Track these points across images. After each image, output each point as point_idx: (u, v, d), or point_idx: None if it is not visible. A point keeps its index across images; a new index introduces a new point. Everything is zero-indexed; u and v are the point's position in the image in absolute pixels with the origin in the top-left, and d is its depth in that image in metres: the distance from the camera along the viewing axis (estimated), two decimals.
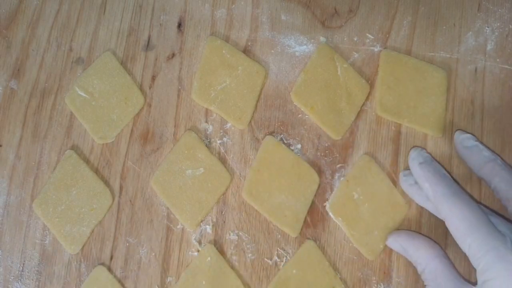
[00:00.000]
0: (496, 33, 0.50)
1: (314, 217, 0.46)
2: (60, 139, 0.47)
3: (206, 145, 0.46)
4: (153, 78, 0.48)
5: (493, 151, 0.44)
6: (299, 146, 0.47)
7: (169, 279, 0.44)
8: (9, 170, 0.46)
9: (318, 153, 0.47)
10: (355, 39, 0.49)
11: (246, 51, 0.49)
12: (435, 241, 0.43)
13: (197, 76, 0.47)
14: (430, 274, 0.41)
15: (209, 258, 0.44)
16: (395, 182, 0.46)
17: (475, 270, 0.38)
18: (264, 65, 0.48)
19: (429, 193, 0.41)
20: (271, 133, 0.47)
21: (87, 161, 0.46)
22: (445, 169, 0.44)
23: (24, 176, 0.46)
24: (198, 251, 0.45)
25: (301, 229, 0.45)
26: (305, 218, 0.45)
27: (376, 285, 0.45)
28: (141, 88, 0.48)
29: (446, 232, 0.46)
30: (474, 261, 0.37)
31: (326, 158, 0.47)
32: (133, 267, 0.44)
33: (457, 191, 0.40)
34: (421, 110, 0.47)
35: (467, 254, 0.38)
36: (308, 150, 0.47)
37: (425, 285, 0.42)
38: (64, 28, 0.49)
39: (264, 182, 0.45)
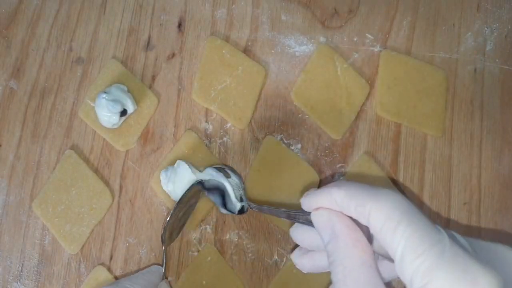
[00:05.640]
0: (495, 34, 0.50)
1: None
2: (59, 138, 0.47)
3: (206, 145, 0.46)
4: (153, 78, 0.48)
5: None
6: (299, 146, 0.47)
7: (169, 279, 0.44)
8: (9, 170, 0.46)
9: (318, 153, 0.47)
10: (355, 39, 0.49)
11: (246, 51, 0.49)
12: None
13: (197, 76, 0.47)
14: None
15: (209, 258, 0.44)
16: (395, 182, 0.46)
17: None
18: (264, 65, 0.48)
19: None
20: (271, 133, 0.47)
21: (87, 160, 0.46)
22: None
23: (23, 176, 0.46)
24: (198, 251, 0.44)
25: None
26: None
27: None
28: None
29: None
30: (406, 263, 0.27)
31: (326, 158, 0.47)
32: (133, 267, 0.44)
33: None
34: (421, 110, 0.47)
35: (395, 257, 0.28)
36: (308, 150, 0.47)
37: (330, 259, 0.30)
38: (64, 28, 0.49)
39: (264, 182, 0.45)
